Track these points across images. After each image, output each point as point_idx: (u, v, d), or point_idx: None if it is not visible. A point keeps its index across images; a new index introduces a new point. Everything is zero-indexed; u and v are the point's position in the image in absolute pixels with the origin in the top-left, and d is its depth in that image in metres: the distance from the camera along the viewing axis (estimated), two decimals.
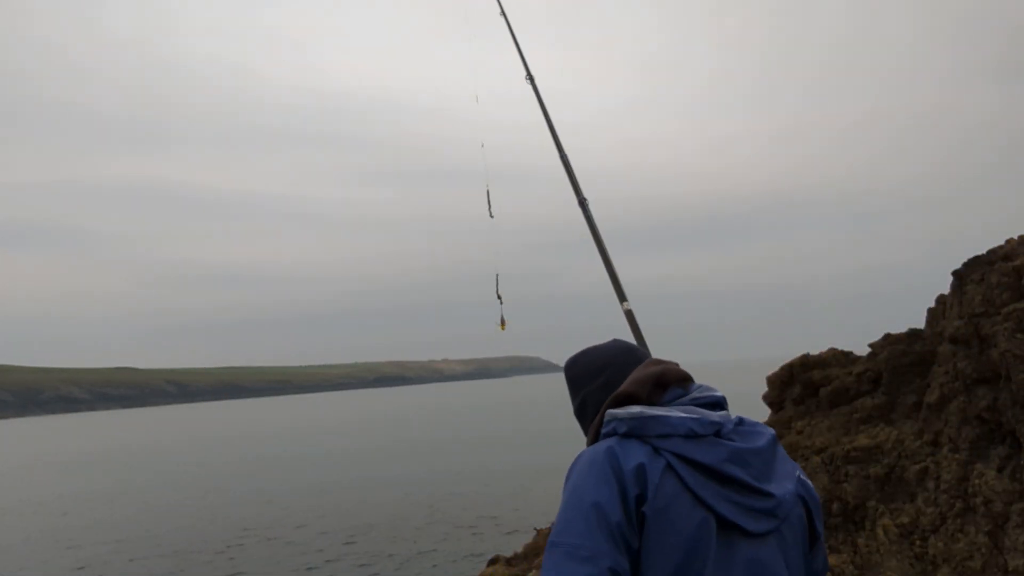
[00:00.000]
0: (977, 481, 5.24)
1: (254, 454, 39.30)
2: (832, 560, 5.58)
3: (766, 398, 8.16)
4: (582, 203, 3.74)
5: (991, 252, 6.36)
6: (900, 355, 6.68)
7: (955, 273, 6.54)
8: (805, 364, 7.80)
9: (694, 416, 1.66)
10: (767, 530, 1.62)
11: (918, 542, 5.36)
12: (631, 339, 2.73)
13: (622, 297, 3.17)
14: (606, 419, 1.71)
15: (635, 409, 1.67)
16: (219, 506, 21.89)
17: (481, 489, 21.51)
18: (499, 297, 3.48)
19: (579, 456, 1.69)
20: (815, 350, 8.05)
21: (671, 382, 1.77)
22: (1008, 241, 6.41)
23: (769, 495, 1.64)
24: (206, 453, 42.25)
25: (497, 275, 3.52)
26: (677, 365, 1.84)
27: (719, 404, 1.77)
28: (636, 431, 1.64)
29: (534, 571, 7.33)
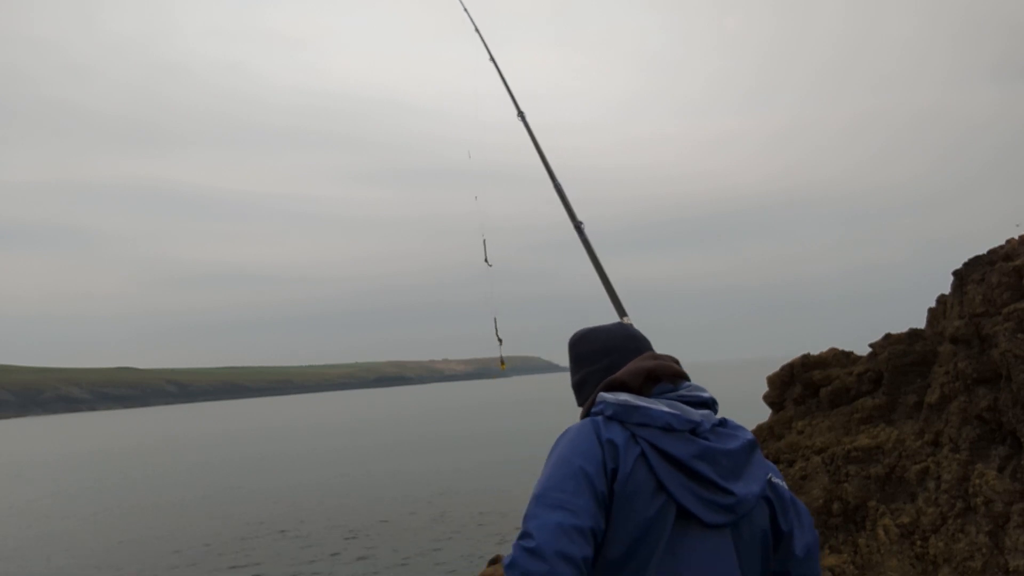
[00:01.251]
0: (978, 481, 5.24)
1: (255, 453, 39.31)
2: (832, 560, 5.58)
3: (766, 398, 8.16)
4: (578, 227, 3.80)
5: (991, 252, 6.36)
6: (901, 355, 6.68)
7: (956, 273, 6.54)
8: (806, 364, 7.80)
9: (674, 412, 1.82)
10: (722, 523, 1.77)
11: (919, 542, 5.36)
12: None
13: (622, 312, 3.25)
14: (597, 401, 1.88)
15: (623, 397, 1.84)
16: (222, 504, 21.89)
17: (482, 488, 21.50)
18: (499, 340, 3.57)
19: (566, 431, 1.85)
20: (815, 350, 8.05)
21: (663, 377, 1.92)
22: (1008, 241, 6.41)
23: (731, 493, 1.78)
24: (208, 452, 42.26)
25: (495, 319, 3.60)
26: (675, 362, 2.00)
27: (705, 404, 1.91)
28: (619, 416, 1.81)
29: None
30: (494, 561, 8.10)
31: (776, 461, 6.92)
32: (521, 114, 4.37)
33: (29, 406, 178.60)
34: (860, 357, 7.45)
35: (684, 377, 1.97)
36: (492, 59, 4.84)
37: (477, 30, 5.14)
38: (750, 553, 1.85)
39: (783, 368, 8.02)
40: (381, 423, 61.17)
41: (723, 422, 1.92)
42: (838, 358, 7.70)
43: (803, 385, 7.61)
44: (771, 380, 8.13)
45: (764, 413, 8.17)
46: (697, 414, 1.85)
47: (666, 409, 1.82)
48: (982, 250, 6.44)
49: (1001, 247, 6.36)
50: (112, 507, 23.17)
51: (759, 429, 7.73)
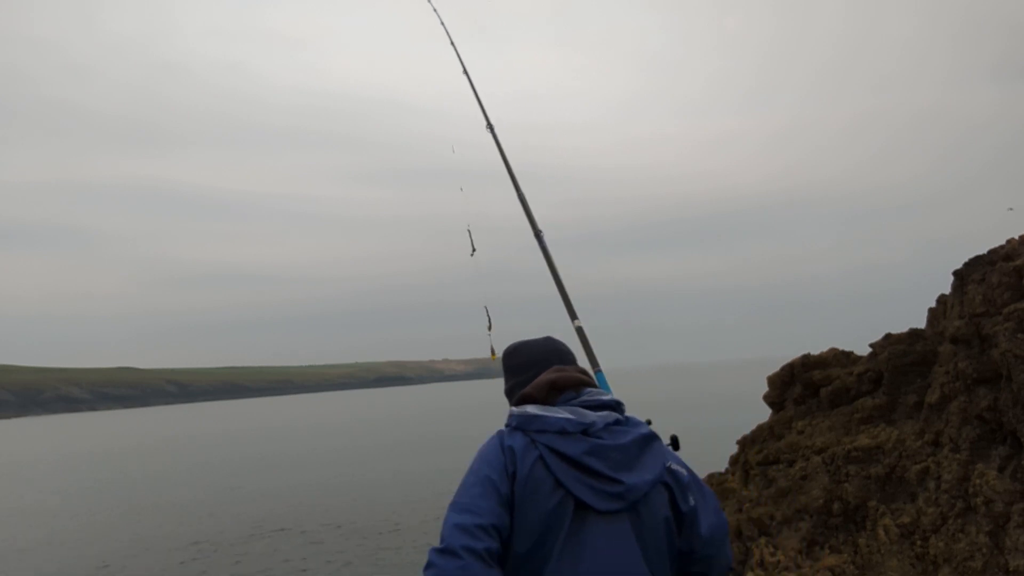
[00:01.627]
0: (978, 481, 5.23)
1: (256, 453, 39.29)
2: (832, 560, 5.58)
3: (767, 398, 8.16)
4: (537, 235, 3.97)
5: (992, 252, 6.36)
6: (901, 355, 6.68)
7: (956, 273, 6.53)
8: (806, 364, 7.79)
9: (569, 417, 2.13)
10: (615, 509, 2.06)
11: (919, 542, 5.35)
12: (581, 352, 3.23)
13: (573, 316, 3.48)
14: (508, 415, 2.20)
15: (526, 408, 2.18)
16: (223, 503, 21.89)
17: None
18: (489, 330, 3.62)
19: (481, 446, 2.18)
20: (815, 350, 8.05)
21: (565, 387, 2.25)
22: (1009, 241, 6.41)
23: (620, 482, 2.06)
24: (208, 452, 42.23)
25: (486, 307, 3.67)
26: (578, 372, 2.34)
27: (605, 406, 2.22)
28: (521, 426, 2.15)
29: None
30: None
31: (776, 461, 6.92)
32: (490, 126, 4.42)
33: (29, 406, 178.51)
34: (860, 357, 7.44)
35: (588, 384, 2.29)
36: (465, 72, 4.88)
37: (453, 44, 5.18)
38: (653, 535, 2.10)
39: (783, 368, 8.01)
40: (381, 423, 61.15)
41: (622, 420, 2.21)
42: (838, 358, 7.69)
43: (803, 385, 7.61)
44: (771, 380, 8.12)
45: (764, 413, 8.17)
46: (593, 415, 2.15)
47: (562, 415, 2.13)
48: (982, 250, 6.44)
49: (1001, 247, 6.36)
50: (114, 506, 23.16)
51: (759, 429, 7.73)
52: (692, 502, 2.20)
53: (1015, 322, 5.45)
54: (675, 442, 2.47)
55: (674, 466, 2.22)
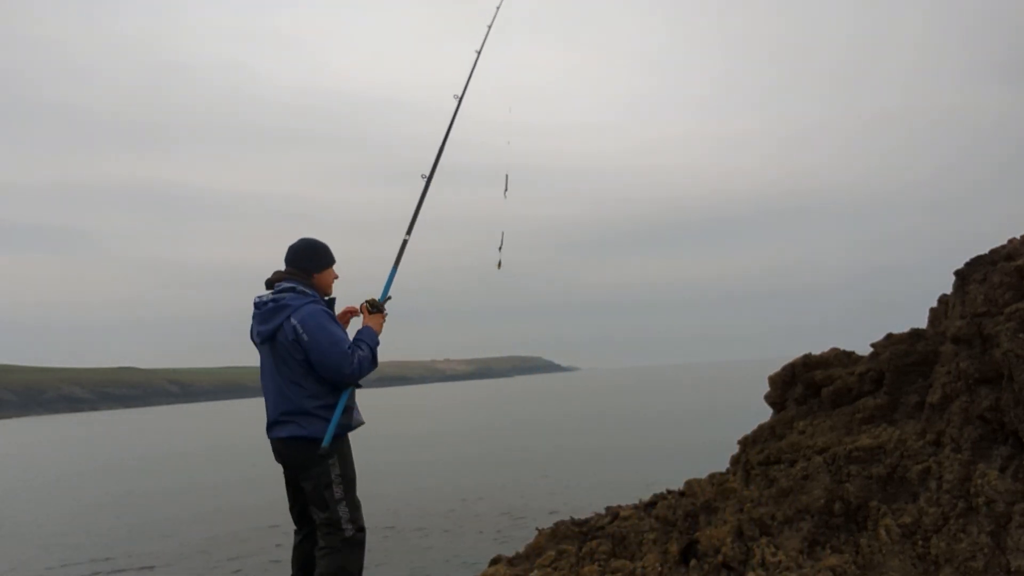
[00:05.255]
0: (979, 481, 5.23)
1: (256, 450, 39.29)
2: (834, 560, 5.57)
3: (768, 398, 8.15)
4: (426, 176, 5.29)
5: (993, 252, 6.35)
6: (902, 355, 6.67)
7: (957, 273, 6.53)
8: (807, 364, 7.79)
9: (259, 298, 4.50)
10: (261, 342, 4.44)
11: (920, 542, 5.35)
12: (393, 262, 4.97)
13: (408, 231, 4.95)
14: None
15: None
16: (225, 500, 21.90)
17: (482, 488, 21.50)
18: (501, 243, 5.02)
19: None
20: (817, 350, 8.04)
21: (273, 282, 4.56)
22: (1010, 241, 6.40)
23: (258, 330, 4.43)
24: (212, 449, 42.24)
25: (503, 232, 5.02)
26: (284, 272, 4.60)
27: (281, 290, 4.45)
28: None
29: (536, 571, 7.32)
30: (495, 561, 8.10)
31: (777, 461, 6.91)
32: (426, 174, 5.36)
33: (31, 406, 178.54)
34: (862, 357, 7.43)
35: (283, 280, 4.52)
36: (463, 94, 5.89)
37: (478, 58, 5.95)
38: (286, 354, 4.32)
39: (785, 368, 8.01)
40: (381, 421, 61.14)
41: (277, 297, 4.43)
42: (840, 358, 7.69)
43: (805, 385, 7.60)
44: (772, 380, 8.12)
45: (765, 413, 8.16)
46: (268, 296, 4.46)
47: (258, 297, 4.49)
48: (985, 250, 6.43)
49: (1003, 247, 6.35)
50: (121, 503, 23.20)
51: (760, 429, 7.72)
52: (306, 337, 4.21)
53: (1017, 322, 5.44)
54: (372, 305, 4.63)
55: (293, 320, 4.27)
